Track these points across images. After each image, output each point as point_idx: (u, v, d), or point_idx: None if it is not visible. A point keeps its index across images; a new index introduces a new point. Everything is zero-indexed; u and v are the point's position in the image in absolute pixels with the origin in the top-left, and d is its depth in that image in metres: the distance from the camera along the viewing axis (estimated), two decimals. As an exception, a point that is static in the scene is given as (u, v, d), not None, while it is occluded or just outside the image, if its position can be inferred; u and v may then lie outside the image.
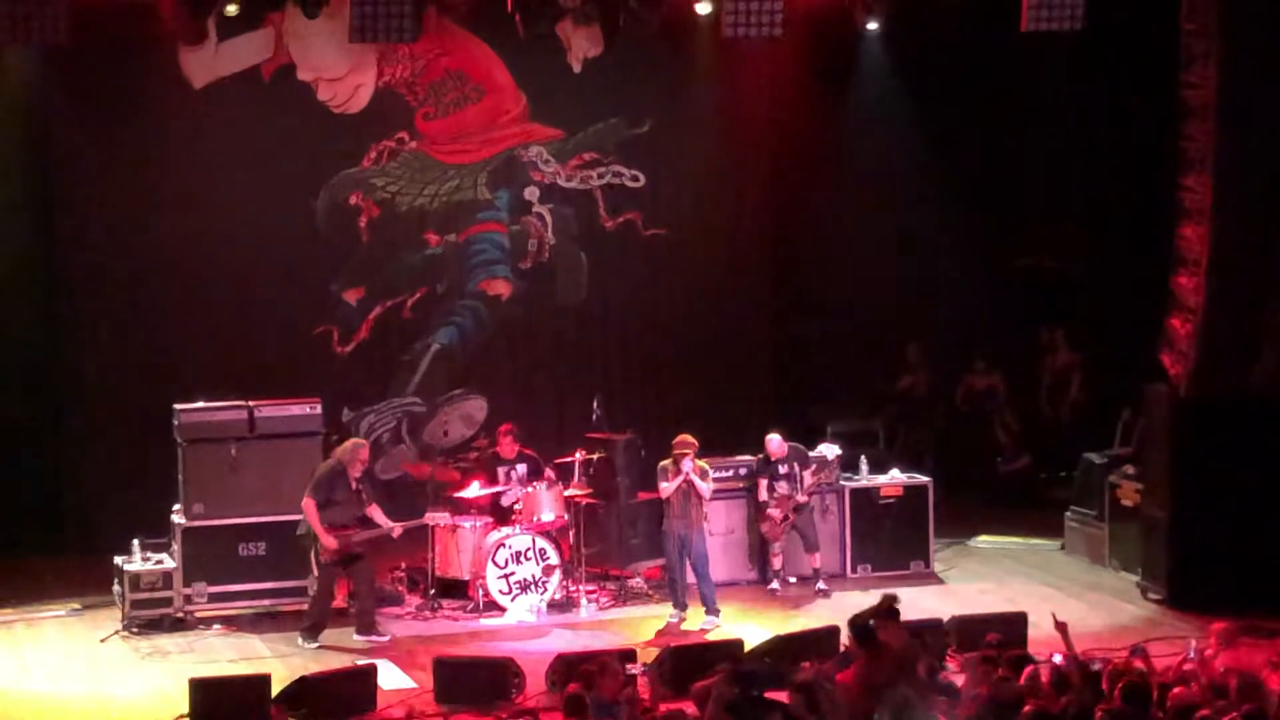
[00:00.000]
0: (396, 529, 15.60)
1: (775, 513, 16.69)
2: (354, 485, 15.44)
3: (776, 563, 16.87)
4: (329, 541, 15.23)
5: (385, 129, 19.01)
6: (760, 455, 16.90)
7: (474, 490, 16.46)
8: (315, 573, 15.49)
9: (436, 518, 15.95)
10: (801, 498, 16.72)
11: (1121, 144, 18.78)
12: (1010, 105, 19.75)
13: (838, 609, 15.84)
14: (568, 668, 13.56)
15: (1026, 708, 10.79)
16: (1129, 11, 17.66)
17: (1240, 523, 15.92)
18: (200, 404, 16.31)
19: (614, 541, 16.92)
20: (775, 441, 16.78)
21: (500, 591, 15.92)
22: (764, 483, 16.81)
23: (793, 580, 17.05)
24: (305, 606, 15.66)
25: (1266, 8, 15.50)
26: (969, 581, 17.12)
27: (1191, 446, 16.08)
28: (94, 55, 17.44)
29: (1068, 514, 18.05)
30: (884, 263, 20.07)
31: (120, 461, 18.23)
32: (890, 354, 20.24)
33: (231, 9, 16.80)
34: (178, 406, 16.28)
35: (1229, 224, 15.67)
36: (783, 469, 16.76)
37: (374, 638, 15.37)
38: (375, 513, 15.57)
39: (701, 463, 15.88)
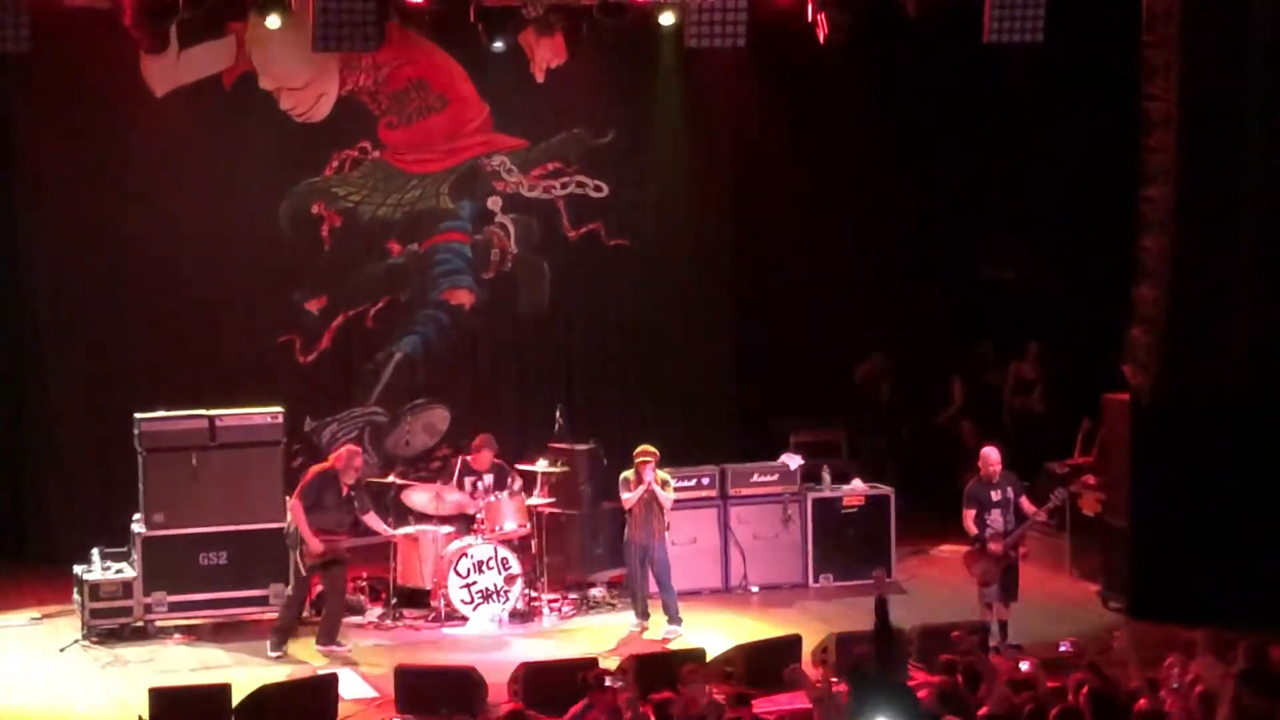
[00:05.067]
0: (399, 536, 15.63)
1: (995, 547, 14.99)
2: (346, 491, 15.39)
3: (989, 615, 15.01)
4: (314, 545, 15.17)
5: (348, 138, 18.99)
6: (973, 477, 15.36)
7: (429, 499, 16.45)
8: (301, 573, 15.38)
9: (429, 531, 15.99)
10: (1021, 534, 15.13)
11: (1083, 155, 18.85)
12: (973, 117, 19.82)
13: (801, 618, 15.90)
14: (530, 677, 13.56)
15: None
16: (1091, 25, 17.73)
17: (1201, 532, 15.99)
18: (161, 413, 16.26)
19: (576, 551, 16.90)
20: (994, 456, 15.14)
21: (462, 601, 15.90)
22: (971, 513, 15.14)
23: (755, 589, 17.07)
24: (264, 616, 15.62)
25: (1225, 21, 15.58)
26: (931, 591, 17.15)
27: (1152, 456, 16.16)
28: (55, 63, 17.39)
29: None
30: (847, 273, 20.11)
31: (80, 471, 18.16)
32: (853, 364, 20.28)
33: (193, 16, 16.75)
34: (138, 415, 16.22)
35: (1190, 235, 15.75)
36: (995, 495, 15.13)
37: (334, 648, 15.32)
38: (373, 520, 15.57)
39: (663, 473, 15.88)
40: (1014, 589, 15.24)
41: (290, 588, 15.54)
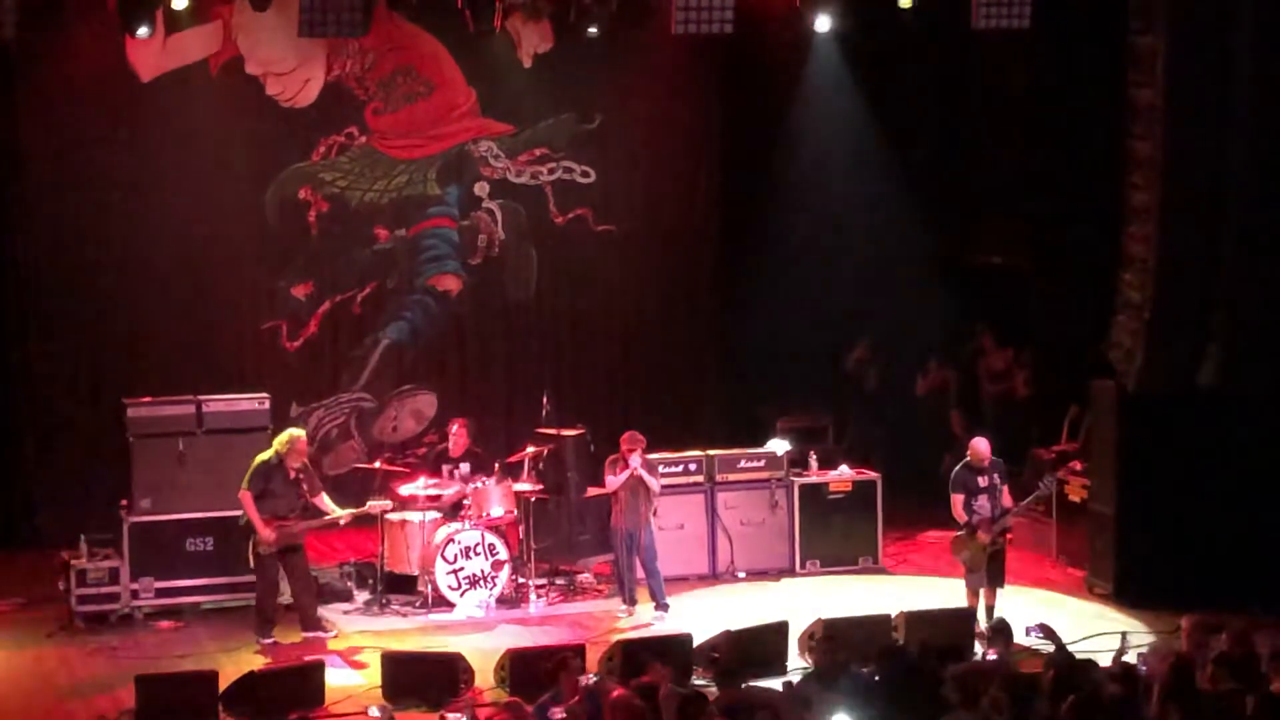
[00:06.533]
0: (345, 517, 15.55)
1: (983, 536, 14.89)
2: (292, 475, 15.35)
3: (974, 601, 14.97)
4: (266, 534, 15.13)
5: (335, 124, 18.98)
6: (962, 462, 15.27)
7: (419, 487, 16.41)
8: (251, 564, 15.37)
9: (378, 505, 15.85)
10: (1010, 520, 15.12)
11: (1070, 142, 18.86)
12: (960, 103, 19.83)
13: (788, 603, 15.92)
14: (516, 663, 13.58)
15: None
16: (1079, 11, 17.74)
17: (1186, 518, 16.01)
18: (148, 399, 16.24)
19: (563, 536, 16.90)
20: (984, 444, 15.09)
21: (449, 587, 15.90)
22: (960, 499, 15.08)
23: (742, 575, 17.09)
24: (253, 602, 15.60)
25: (1212, 9, 15.59)
26: (917, 577, 17.18)
27: (1138, 443, 16.18)
28: (42, 48, 17.37)
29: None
30: (834, 259, 20.13)
31: (67, 457, 18.15)
32: (840, 350, 20.31)
33: (179, 2, 16.73)
34: (126, 402, 16.20)
35: (1175, 222, 15.77)
36: (982, 481, 15.07)
37: (318, 634, 15.32)
38: (322, 501, 15.50)
39: (650, 457, 15.88)
40: (1001, 575, 15.22)
41: (255, 577, 15.44)
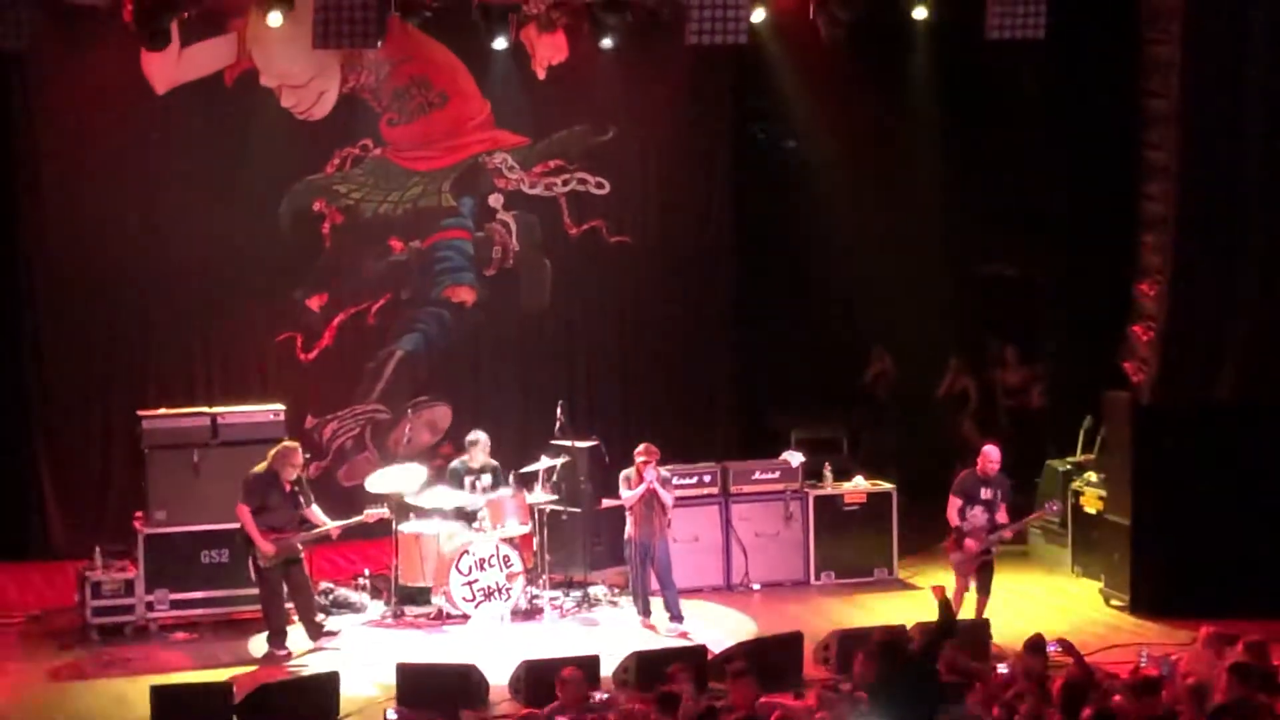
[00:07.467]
0: (335, 529, 15.54)
1: (972, 543, 15.01)
2: (288, 488, 15.32)
3: (963, 584, 15.12)
4: (266, 547, 15.12)
5: (349, 135, 18.99)
6: (966, 469, 15.49)
7: (437, 498, 16.41)
8: (254, 578, 15.37)
9: (375, 513, 15.84)
10: (1007, 533, 15.26)
11: (1085, 152, 18.85)
12: (974, 113, 19.81)
13: (803, 615, 15.89)
14: (531, 675, 13.56)
15: None
16: (1093, 20, 17.73)
17: (1202, 529, 15.99)
18: (163, 411, 16.25)
19: (578, 548, 16.89)
20: (995, 455, 15.14)
21: (464, 599, 15.88)
22: (958, 504, 15.17)
23: (756, 587, 17.07)
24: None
25: (1228, 18, 15.58)
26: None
27: (1153, 453, 16.15)
28: (55, 60, 17.42)
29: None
30: (848, 270, 20.12)
31: (82, 468, 18.17)
32: (854, 361, 20.29)
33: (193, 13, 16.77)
34: (141, 413, 16.21)
35: (1191, 233, 15.75)
36: (985, 493, 15.13)
37: (324, 641, 15.32)
38: (312, 514, 15.48)
39: (664, 470, 15.86)
40: (988, 585, 15.23)
41: (259, 590, 15.43)
